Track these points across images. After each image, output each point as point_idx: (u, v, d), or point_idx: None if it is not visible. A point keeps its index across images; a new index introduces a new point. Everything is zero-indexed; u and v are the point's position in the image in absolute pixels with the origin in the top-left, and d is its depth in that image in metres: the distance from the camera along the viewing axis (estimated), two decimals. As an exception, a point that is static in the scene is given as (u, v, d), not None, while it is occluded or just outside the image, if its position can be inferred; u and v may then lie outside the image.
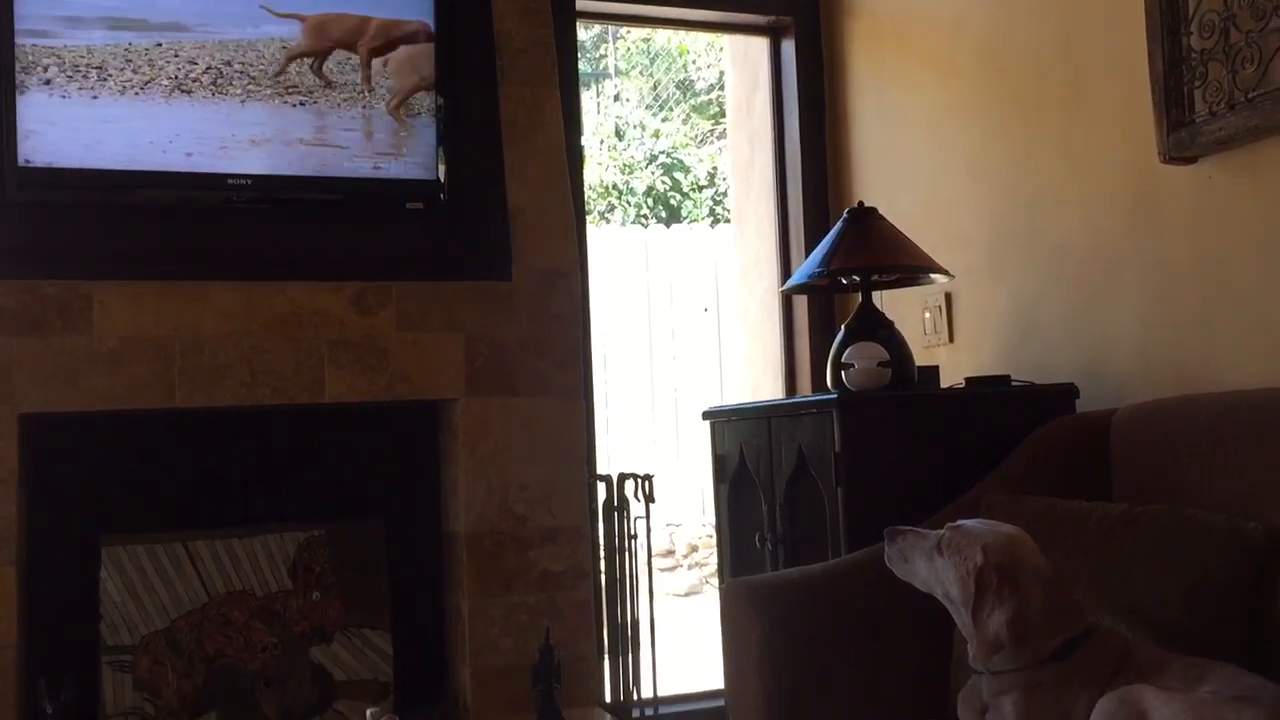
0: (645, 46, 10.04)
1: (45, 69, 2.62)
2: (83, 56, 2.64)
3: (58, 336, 2.64)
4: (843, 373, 2.52)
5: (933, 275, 2.68)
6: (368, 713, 1.82)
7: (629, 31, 9.81)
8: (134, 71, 2.68)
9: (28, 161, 2.61)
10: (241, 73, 2.76)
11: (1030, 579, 1.65)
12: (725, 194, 8.49)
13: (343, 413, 2.93)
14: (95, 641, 2.71)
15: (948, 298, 3.04)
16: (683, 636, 4.81)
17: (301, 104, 2.81)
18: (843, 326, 2.66)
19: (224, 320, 2.76)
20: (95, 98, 2.66)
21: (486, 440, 2.94)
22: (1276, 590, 1.75)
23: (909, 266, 2.65)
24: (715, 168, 9.41)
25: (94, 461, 2.80)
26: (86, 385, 2.65)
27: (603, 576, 3.14)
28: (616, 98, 10.15)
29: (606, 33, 9.93)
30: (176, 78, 2.71)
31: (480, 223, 2.99)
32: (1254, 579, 1.77)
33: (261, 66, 2.77)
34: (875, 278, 2.70)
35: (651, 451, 6.98)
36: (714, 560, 4.69)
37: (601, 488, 3.15)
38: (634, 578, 3.11)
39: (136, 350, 2.69)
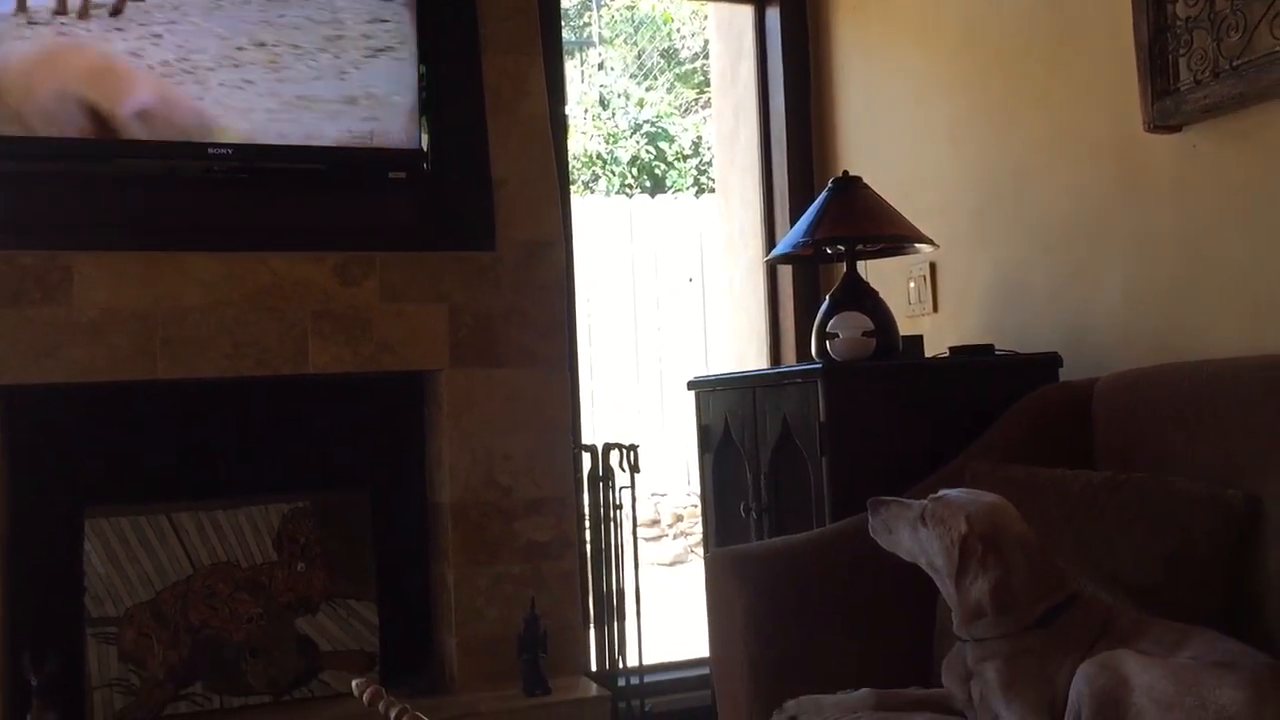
0: (629, 15, 9.97)
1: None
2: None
3: (36, 308, 2.62)
4: (827, 342, 2.52)
5: (917, 245, 2.68)
6: (353, 683, 1.81)
7: (613, -1, 9.76)
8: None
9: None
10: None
11: (1014, 548, 1.66)
12: (710, 163, 8.46)
13: (327, 384, 2.92)
14: (80, 613, 2.71)
15: (932, 267, 3.04)
16: (668, 606, 4.83)
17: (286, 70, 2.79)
18: (827, 296, 2.66)
19: (206, 291, 2.75)
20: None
21: (471, 411, 2.94)
22: (1256, 557, 1.77)
23: (894, 236, 2.65)
24: (700, 137, 9.37)
25: (76, 433, 2.79)
26: (67, 357, 2.63)
27: (588, 546, 3.15)
28: (600, 66, 10.09)
29: (590, 0, 9.86)
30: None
31: (463, 193, 2.98)
32: (1234, 546, 1.78)
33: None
34: (860, 247, 2.69)
35: (636, 422, 6.99)
36: (699, 530, 4.70)
37: (586, 458, 3.15)
38: (619, 547, 3.12)
39: (117, 321, 2.67)
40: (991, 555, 1.64)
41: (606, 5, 9.98)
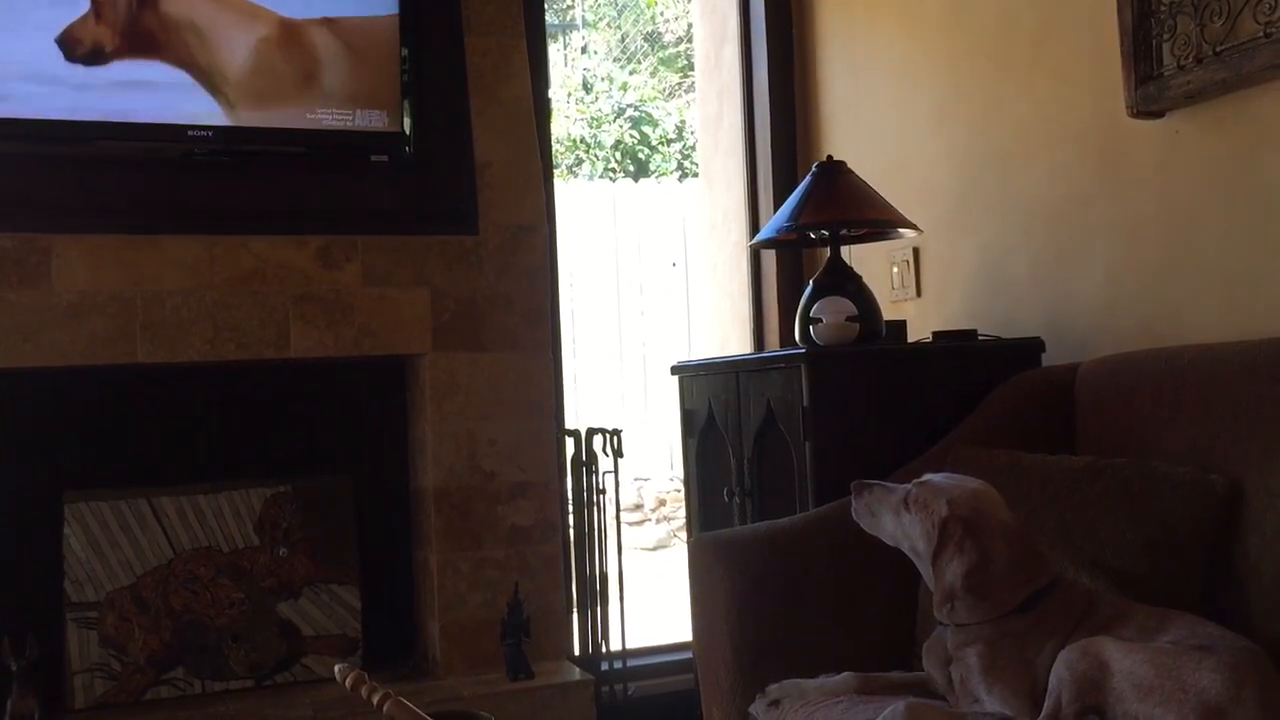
0: (613, -2, 9.94)
1: None
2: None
3: (15, 291, 2.60)
4: (811, 327, 2.52)
5: (901, 230, 2.68)
6: (336, 668, 1.81)
7: (596, -18, 9.71)
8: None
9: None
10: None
11: (995, 534, 1.66)
12: (693, 148, 8.44)
13: (308, 368, 2.91)
14: (59, 598, 2.69)
15: (915, 252, 3.04)
16: (651, 590, 4.84)
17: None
18: (811, 281, 2.66)
19: (187, 275, 2.73)
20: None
21: (454, 396, 2.93)
22: (1237, 542, 1.78)
23: (877, 221, 2.65)
24: (683, 121, 9.36)
25: (55, 417, 2.77)
26: (46, 341, 2.61)
27: (571, 531, 3.15)
28: (584, 50, 10.05)
29: (573, -17, 9.82)
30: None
31: (446, 176, 2.96)
32: (1215, 531, 1.79)
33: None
34: (844, 232, 2.69)
35: (620, 406, 6.99)
36: (682, 514, 4.70)
37: (570, 443, 3.15)
38: (603, 532, 3.12)
39: (97, 305, 2.65)
40: (970, 539, 1.65)
41: (590, -12, 9.94)
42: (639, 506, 7.14)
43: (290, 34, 2.78)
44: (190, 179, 2.78)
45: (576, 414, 5.27)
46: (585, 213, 7.09)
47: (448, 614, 2.91)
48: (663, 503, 7.18)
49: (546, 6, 3.34)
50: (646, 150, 9.45)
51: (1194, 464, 1.85)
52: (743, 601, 2.01)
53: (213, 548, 2.83)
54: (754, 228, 3.57)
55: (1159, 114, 2.29)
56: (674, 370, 2.94)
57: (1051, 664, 1.57)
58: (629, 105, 9.53)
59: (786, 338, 3.40)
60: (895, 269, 3.10)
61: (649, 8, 9.66)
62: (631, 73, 9.82)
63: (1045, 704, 1.55)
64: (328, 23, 2.80)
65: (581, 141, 9.35)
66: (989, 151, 2.80)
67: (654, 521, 7.12)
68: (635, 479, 7.07)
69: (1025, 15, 2.66)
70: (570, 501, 3.14)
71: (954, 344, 2.54)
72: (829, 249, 2.68)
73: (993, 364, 2.42)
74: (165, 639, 2.76)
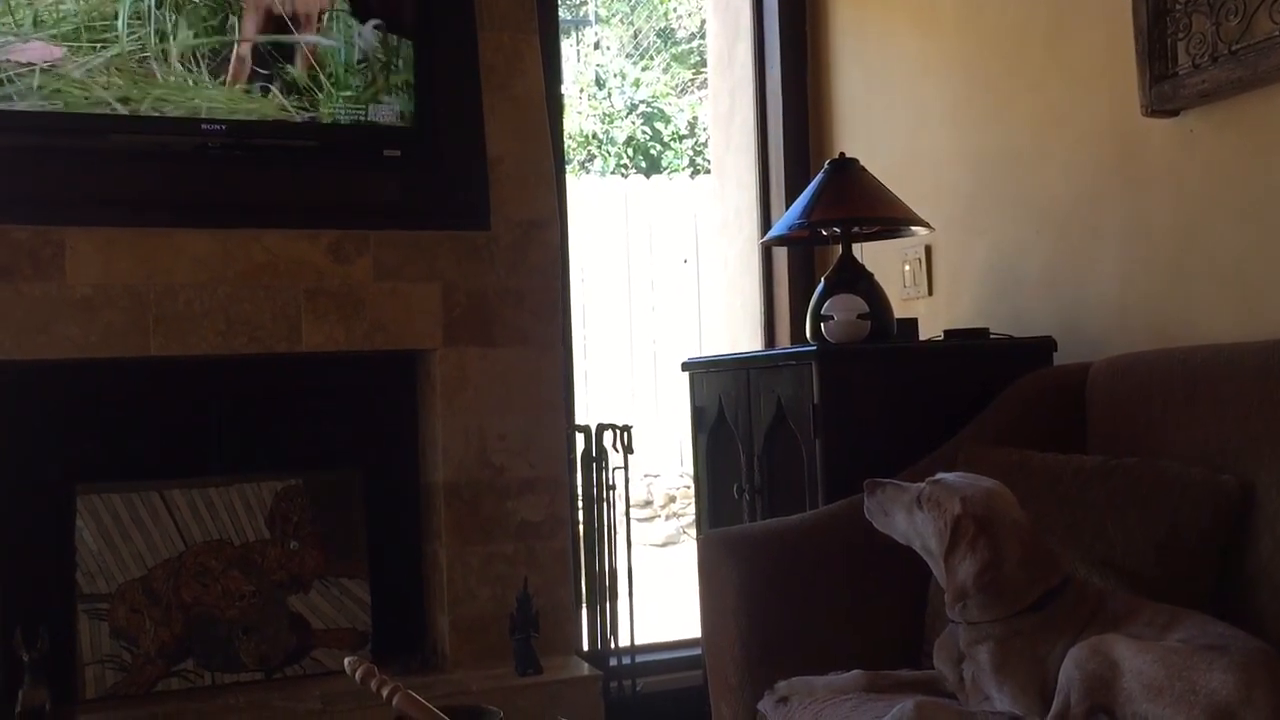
0: (626, -6, 9.93)
1: (13, 10, 2.57)
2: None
3: (29, 283, 2.61)
4: (822, 325, 2.51)
5: (913, 227, 2.68)
6: (345, 661, 1.81)
7: (609, -22, 9.70)
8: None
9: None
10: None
11: (1008, 534, 1.66)
12: (706, 144, 8.44)
13: (320, 362, 2.91)
14: (71, 590, 2.70)
15: (927, 250, 3.03)
16: (660, 586, 4.85)
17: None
18: (822, 278, 2.66)
19: (199, 268, 2.74)
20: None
21: (464, 390, 2.93)
22: (1248, 542, 1.78)
23: (889, 219, 2.64)
24: (696, 118, 9.35)
25: (68, 409, 2.78)
26: (59, 333, 2.62)
27: (581, 527, 3.15)
28: (596, 46, 10.05)
29: (587, -21, 9.81)
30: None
31: (458, 171, 2.97)
32: (1227, 532, 1.79)
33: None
34: (855, 230, 2.69)
35: (630, 402, 6.99)
36: (692, 511, 4.70)
37: (580, 438, 3.15)
38: (612, 528, 3.12)
39: (110, 298, 2.66)
40: (983, 538, 1.64)
41: (603, -16, 9.94)
42: (649, 503, 7.14)
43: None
44: (203, 173, 2.78)
45: (587, 410, 5.27)
46: (597, 208, 7.08)
47: (457, 608, 2.91)
48: (672, 499, 7.19)
49: (559, 2, 3.35)
50: (659, 146, 9.45)
51: (1206, 465, 1.84)
52: (752, 598, 2.01)
53: (224, 540, 2.84)
54: (766, 224, 3.56)
55: (1173, 113, 2.28)
56: (685, 367, 2.94)
57: (1062, 662, 1.57)
58: (641, 101, 9.53)
59: (797, 335, 3.40)
60: (907, 267, 3.09)
61: (662, 4, 9.65)
62: (644, 69, 9.81)
63: (1054, 702, 1.55)
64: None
65: (594, 137, 9.36)
66: (1002, 150, 2.79)
67: (664, 518, 7.13)
68: (645, 475, 7.07)
69: (1039, 13, 2.65)
70: (580, 497, 3.15)
71: (965, 342, 2.53)
72: (841, 246, 2.67)
73: (1004, 363, 2.42)
74: (176, 631, 2.78)
